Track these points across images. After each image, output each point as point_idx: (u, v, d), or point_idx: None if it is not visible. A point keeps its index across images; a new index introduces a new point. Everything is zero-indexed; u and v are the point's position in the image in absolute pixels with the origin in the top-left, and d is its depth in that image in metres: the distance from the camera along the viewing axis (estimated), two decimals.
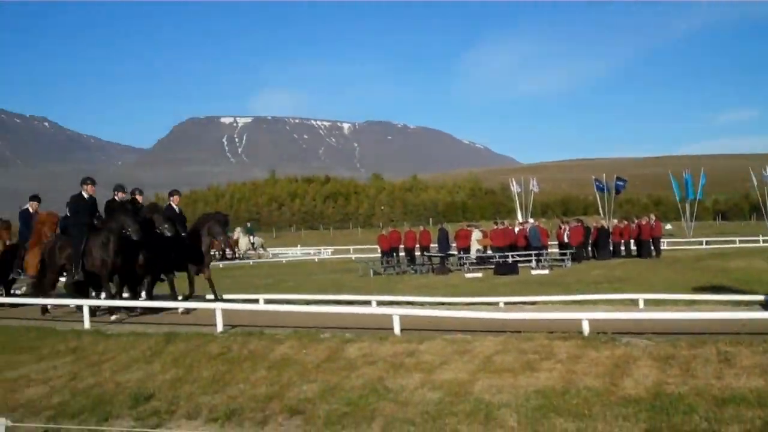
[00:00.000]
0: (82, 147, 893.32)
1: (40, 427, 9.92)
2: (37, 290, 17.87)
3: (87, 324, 14.67)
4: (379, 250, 36.56)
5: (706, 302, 15.12)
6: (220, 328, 13.51)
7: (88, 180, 16.66)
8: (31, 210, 19.11)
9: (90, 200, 16.37)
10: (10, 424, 8.42)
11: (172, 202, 17.86)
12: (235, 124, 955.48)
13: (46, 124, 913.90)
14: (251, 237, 47.48)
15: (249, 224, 49.05)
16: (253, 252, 47.76)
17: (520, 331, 11.57)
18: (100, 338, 13.53)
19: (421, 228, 37.26)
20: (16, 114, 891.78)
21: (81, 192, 16.38)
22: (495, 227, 36.40)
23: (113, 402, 10.57)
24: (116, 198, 16.72)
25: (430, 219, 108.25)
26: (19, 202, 21.18)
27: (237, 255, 46.87)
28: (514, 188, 57.27)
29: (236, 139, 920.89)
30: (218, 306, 14.12)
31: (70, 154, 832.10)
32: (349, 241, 76.01)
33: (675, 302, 15.34)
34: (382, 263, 32.86)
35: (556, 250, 34.21)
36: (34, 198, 19.46)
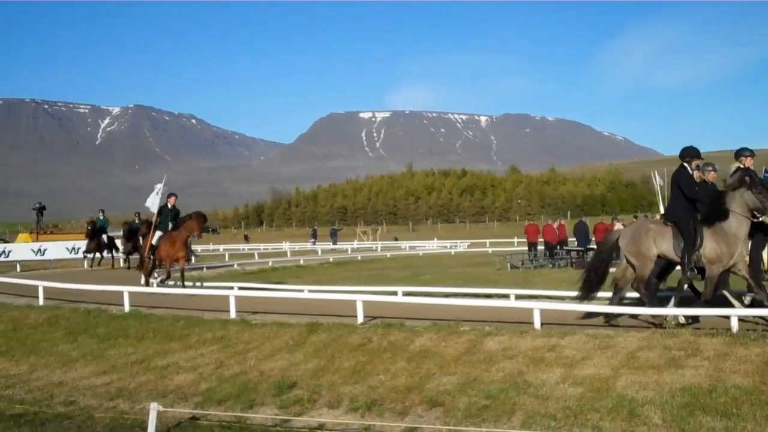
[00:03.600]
0: (227, 143, 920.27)
1: (188, 412, 10.30)
2: None
3: (233, 313, 15.14)
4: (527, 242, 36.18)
5: None
6: (360, 319, 13.73)
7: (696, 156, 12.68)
8: None
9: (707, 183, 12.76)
10: (161, 408, 8.82)
11: None
12: (373, 119, 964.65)
13: (193, 121, 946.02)
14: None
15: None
16: None
17: (664, 327, 11.29)
18: (245, 327, 13.96)
19: (560, 221, 36.45)
20: (166, 111, 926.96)
21: (684, 167, 12.54)
22: (634, 221, 35.60)
23: (257, 390, 10.89)
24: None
25: (569, 212, 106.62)
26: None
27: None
28: (656, 181, 55.56)
29: (374, 134, 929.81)
30: (358, 298, 14.34)
31: (215, 149, 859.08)
32: (485, 234, 75.87)
33: None
34: (529, 256, 32.57)
35: None
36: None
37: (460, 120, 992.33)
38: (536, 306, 12.72)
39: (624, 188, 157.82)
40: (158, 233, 20.70)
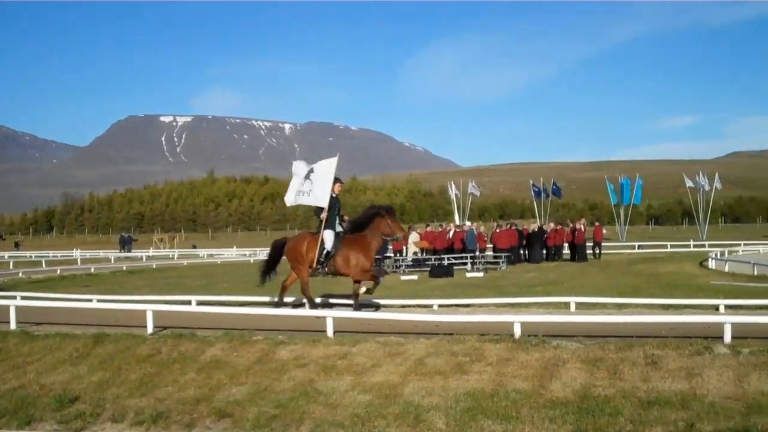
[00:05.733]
0: (17, 144, 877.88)
1: None
2: None
3: (13, 324, 14.32)
4: None
5: (636, 306, 15.34)
6: (150, 329, 13.33)
7: None
8: None
9: None
10: None
11: None
12: (174, 123, 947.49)
13: None
14: None
15: None
16: None
17: (452, 334, 11.61)
18: (26, 339, 13.21)
19: None
20: None
21: None
22: (428, 229, 36.76)
23: (36, 405, 10.35)
24: None
25: None
26: None
27: None
28: (453, 191, 57.67)
29: (175, 138, 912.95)
30: (149, 307, 13.92)
31: (4, 151, 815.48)
32: None
33: (605, 305, 15.54)
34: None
35: (491, 253, 34.42)
36: None
37: (263, 127, 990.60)
38: (329, 314, 12.80)
39: (422, 198, 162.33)
40: (329, 234, 14.91)
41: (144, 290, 21.97)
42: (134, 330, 13.40)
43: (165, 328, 13.62)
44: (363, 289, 14.87)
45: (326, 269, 15.13)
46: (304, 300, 15.34)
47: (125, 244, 64.59)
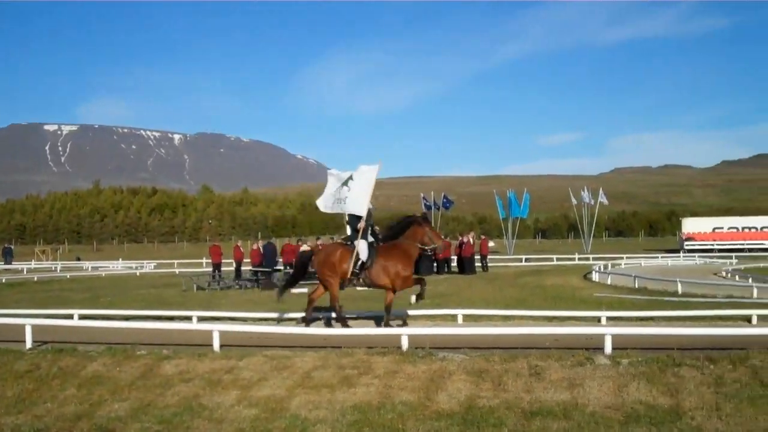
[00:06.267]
0: None
1: None
2: None
3: None
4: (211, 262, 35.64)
5: (521, 317, 15.62)
6: (29, 344, 12.94)
7: None
8: None
9: None
10: None
11: None
12: (59, 132, 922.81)
13: None
14: None
15: None
16: None
17: (340, 347, 11.60)
18: None
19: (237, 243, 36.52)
20: None
21: None
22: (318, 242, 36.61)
23: None
24: None
25: (259, 233, 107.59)
26: None
27: None
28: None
29: (60, 148, 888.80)
30: (28, 321, 13.49)
31: None
32: (174, 255, 74.61)
33: (492, 317, 15.78)
34: (214, 276, 32.23)
35: None
36: None
37: (152, 137, 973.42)
38: (216, 328, 12.65)
39: (314, 210, 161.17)
40: (364, 244, 14.36)
41: (23, 304, 21.25)
42: (12, 345, 12.98)
43: (45, 342, 13.28)
44: (413, 298, 14.41)
45: (361, 281, 14.59)
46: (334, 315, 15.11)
47: (7, 255, 62.25)
